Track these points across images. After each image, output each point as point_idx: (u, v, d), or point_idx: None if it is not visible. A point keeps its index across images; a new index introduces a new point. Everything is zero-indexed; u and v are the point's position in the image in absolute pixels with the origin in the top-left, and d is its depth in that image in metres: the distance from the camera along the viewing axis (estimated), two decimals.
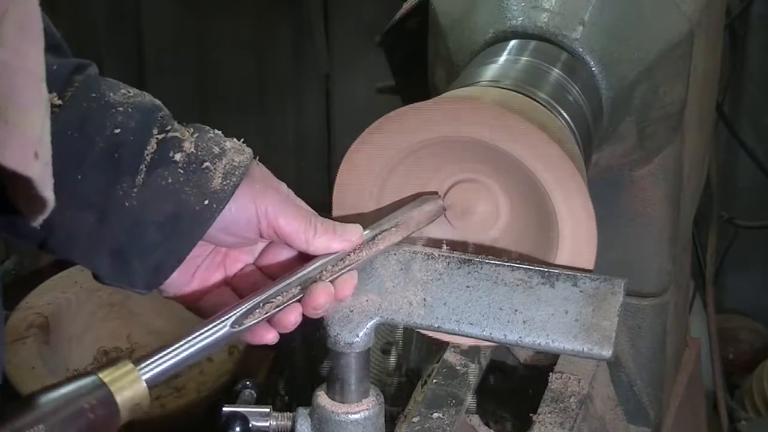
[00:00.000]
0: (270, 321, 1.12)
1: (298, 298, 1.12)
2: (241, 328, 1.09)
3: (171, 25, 3.43)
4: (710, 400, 2.72)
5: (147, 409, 1.01)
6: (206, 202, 1.08)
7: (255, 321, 1.10)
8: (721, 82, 2.09)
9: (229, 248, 1.17)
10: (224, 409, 1.23)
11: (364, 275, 1.18)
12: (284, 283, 1.12)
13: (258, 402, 1.30)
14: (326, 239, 1.13)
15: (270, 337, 1.13)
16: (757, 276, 3.28)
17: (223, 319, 1.09)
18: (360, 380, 1.18)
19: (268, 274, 1.17)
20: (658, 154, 1.58)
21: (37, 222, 0.87)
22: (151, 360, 1.03)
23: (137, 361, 1.02)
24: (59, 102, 1.07)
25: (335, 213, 1.21)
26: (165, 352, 1.05)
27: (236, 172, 1.09)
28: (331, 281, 1.13)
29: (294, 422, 1.22)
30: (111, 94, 1.09)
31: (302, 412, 1.22)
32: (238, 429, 1.21)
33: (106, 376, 0.98)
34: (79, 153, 1.06)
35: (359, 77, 3.34)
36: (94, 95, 1.08)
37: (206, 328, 1.08)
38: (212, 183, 1.08)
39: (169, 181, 1.08)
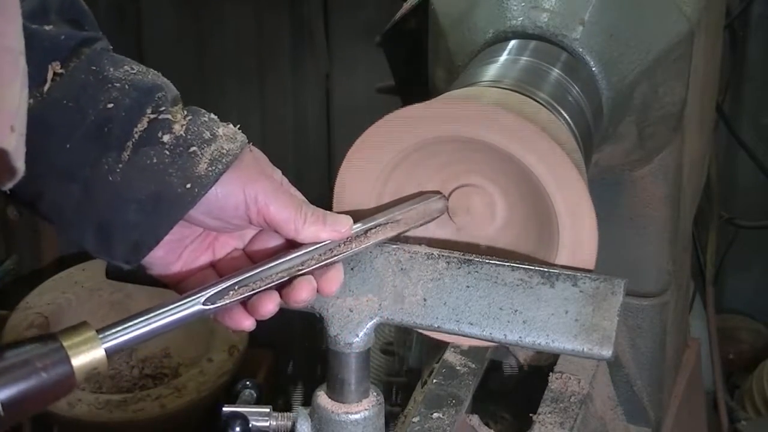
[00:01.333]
0: (247, 307, 1.12)
1: (275, 285, 1.12)
2: (214, 306, 1.09)
3: (171, 25, 3.43)
4: (710, 400, 2.72)
5: (105, 374, 1.02)
6: (188, 186, 1.08)
7: (228, 302, 1.10)
8: (721, 82, 2.09)
9: (218, 232, 1.18)
10: (224, 409, 1.23)
11: (364, 275, 1.18)
12: (264, 268, 1.12)
13: (258, 402, 1.30)
14: (316, 229, 1.14)
15: (247, 323, 1.13)
16: (757, 276, 3.28)
17: (196, 296, 1.09)
18: (360, 380, 1.18)
19: (256, 261, 1.17)
20: (658, 154, 1.58)
21: (4, 187, 0.90)
22: (116, 329, 1.04)
23: (102, 329, 1.03)
24: (61, 71, 1.08)
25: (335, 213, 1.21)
26: (132, 323, 1.05)
27: (223, 160, 1.10)
28: (315, 270, 1.13)
29: (294, 422, 1.22)
30: (111, 69, 1.10)
31: (302, 412, 1.22)
32: (238, 429, 1.21)
33: (66, 339, 0.99)
34: (71, 123, 1.07)
35: (359, 77, 3.33)
36: (94, 68, 1.09)
37: (178, 303, 1.08)
38: (197, 168, 1.09)
39: (154, 161, 1.08)
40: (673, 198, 1.66)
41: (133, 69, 1.12)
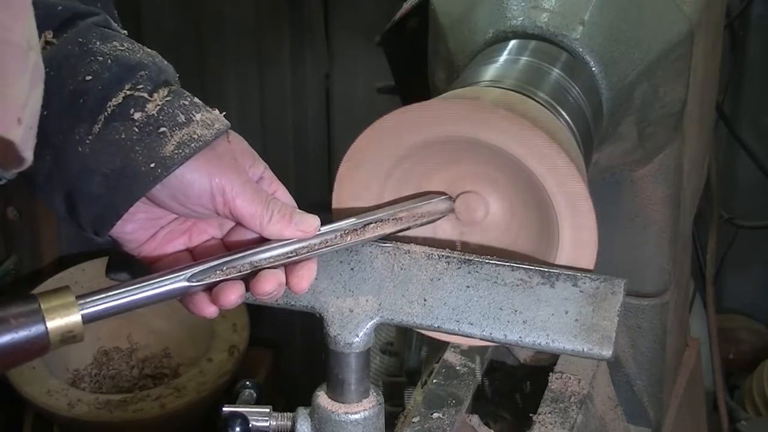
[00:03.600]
0: (210, 295, 1.12)
1: (244, 275, 1.12)
2: (199, 284, 1.10)
3: (171, 25, 3.43)
4: (710, 400, 2.72)
5: (82, 340, 1.04)
6: (152, 165, 1.08)
7: (215, 280, 1.10)
8: (721, 82, 2.09)
9: (184, 218, 1.17)
10: (224, 409, 1.23)
11: (364, 275, 1.18)
12: (255, 251, 1.12)
13: (258, 402, 1.30)
14: (280, 226, 1.13)
15: (211, 310, 1.13)
16: (757, 276, 3.28)
17: (182, 272, 1.10)
18: (360, 380, 1.18)
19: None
20: (658, 154, 1.58)
21: (10, 175, 0.92)
22: (97, 297, 1.06)
23: (82, 296, 1.04)
24: (53, 41, 1.10)
25: (335, 213, 1.21)
26: (113, 292, 1.07)
27: (192, 144, 1.09)
28: (298, 262, 1.14)
29: (294, 422, 1.22)
30: (98, 43, 1.11)
31: (302, 412, 1.22)
32: (238, 429, 1.21)
33: (44, 301, 1.01)
34: (50, 91, 1.07)
35: (359, 77, 3.33)
36: (80, 40, 1.11)
37: (162, 278, 1.09)
38: (164, 149, 1.09)
39: (123, 137, 1.09)
40: (673, 198, 1.66)
41: (122, 46, 1.13)
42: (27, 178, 1.11)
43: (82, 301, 1.04)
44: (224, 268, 1.11)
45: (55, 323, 1.01)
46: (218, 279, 1.11)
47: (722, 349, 2.76)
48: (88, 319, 1.04)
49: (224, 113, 1.15)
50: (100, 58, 1.10)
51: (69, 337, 1.03)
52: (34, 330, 1.00)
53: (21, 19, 0.88)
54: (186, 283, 1.10)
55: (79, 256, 3.12)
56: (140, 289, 1.08)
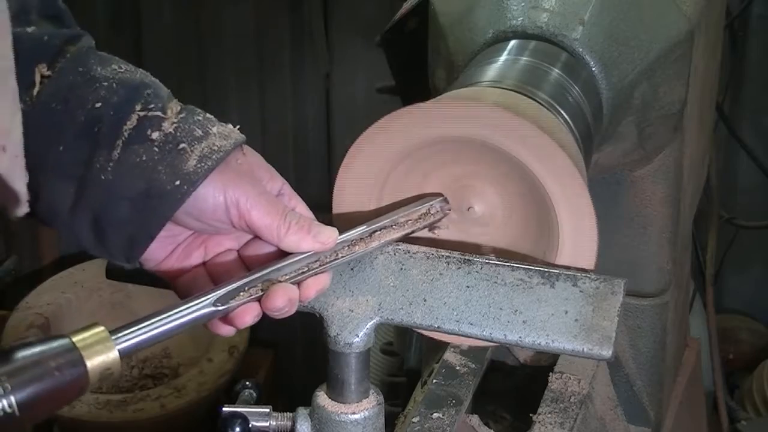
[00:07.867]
0: (226, 317, 1.11)
1: (257, 296, 1.11)
2: (224, 307, 1.09)
3: (171, 25, 3.43)
4: (710, 400, 2.72)
5: (118, 375, 1.03)
6: (177, 182, 1.08)
7: (239, 303, 1.10)
8: (721, 82, 2.09)
9: (201, 233, 1.17)
10: (224, 409, 1.23)
11: (364, 275, 1.18)
12: (272, 269, 1.12)
13: (258, 402, 1.30)
14: (298, 238, 1.13)
15: (227, 329, 1.13)
16: (757, 276, 3.28)
17: (206, 297, 1.09)
18: (360, 380, 1.18)
19: (249, 264, 1.17)
20: (658, 154, 1.58)
21: (17, 215, 0.89)
22: (129, 330, 1.04)
23: (114, 330, 1.02)
24: (48, 73, 1.08)
25: (335, 213, 1.21)
26: (144, 324, 1.05)
27: (213, 156, 1.09)
28: (306, 277, 1.13)
29: (294, 422, 1.22)
30: (98, 69, 1.10)
31: (302, 412, 1.22)
32: (238, 429, 1.21)
33: (79, 340, 0.99)
34: (61, 125, 1.07)
35: (359, 77, 3.34)
36: (81, 69, 1.09)
37: (189, 305, 1.08)
38: (186, 165, 1.08)
39: (144, 158, 1.08)
40: (673, 198, 1.66)
41: (121, 68, 1.12)
42: (49, 216, 1.10)
43: (115, 336, 1.02)
44: (246, 288, 1.10)
45: (93, 362, 0.99)
46: (243, 300, 1.10)
47: (722, 349, 2.76)
48: (123, 354, 1.02)
49: (238, 127, 1.15)
50: (105, 84, 1.09)
51: (107, 375, 1.00)
52: (75, 372, 0.97)
53: (2, 39, 0.85)
54: (212, 308, 1.09)
55: (79, 256, 3.12)
56: (170, 319, 1.07)
